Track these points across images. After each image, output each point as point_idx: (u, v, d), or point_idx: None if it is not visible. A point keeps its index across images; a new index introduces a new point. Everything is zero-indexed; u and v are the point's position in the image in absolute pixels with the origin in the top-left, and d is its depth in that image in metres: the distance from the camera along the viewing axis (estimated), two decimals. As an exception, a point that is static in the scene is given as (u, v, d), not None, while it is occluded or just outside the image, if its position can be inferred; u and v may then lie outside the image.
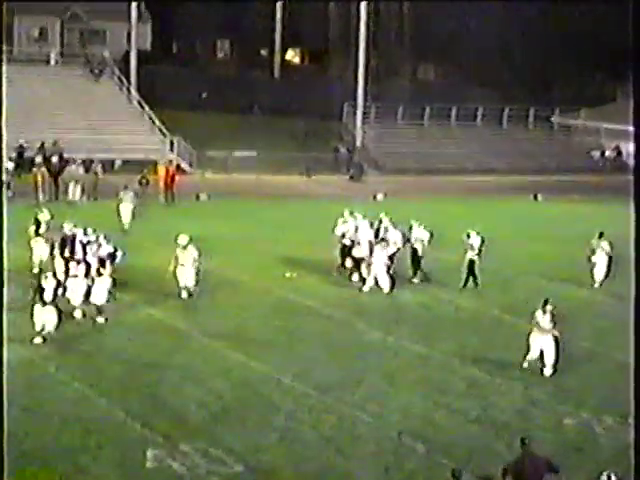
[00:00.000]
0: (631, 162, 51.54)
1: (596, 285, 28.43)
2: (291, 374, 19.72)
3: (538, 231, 37.25)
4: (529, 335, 20.48)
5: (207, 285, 27.06)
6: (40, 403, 17.70)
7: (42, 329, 20.85)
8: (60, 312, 21.03)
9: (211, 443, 16.14)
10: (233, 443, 16.24)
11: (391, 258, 27.44)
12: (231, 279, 27.90)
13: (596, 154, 63.89)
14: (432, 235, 28.46)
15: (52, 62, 60.71)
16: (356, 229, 28.61)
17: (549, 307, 20.38)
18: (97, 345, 21.36)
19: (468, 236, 27.78)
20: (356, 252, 27.67)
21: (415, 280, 28.00)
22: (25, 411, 16.94)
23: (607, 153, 63.15)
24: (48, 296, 20.84)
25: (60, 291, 22.39)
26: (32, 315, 20.83)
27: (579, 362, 21.54)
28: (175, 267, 25.33)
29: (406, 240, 28.27)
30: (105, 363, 20.14)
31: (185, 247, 25.56)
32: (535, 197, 49.17)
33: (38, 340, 20.76)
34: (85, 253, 25.16)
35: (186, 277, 25.37)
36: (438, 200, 44.70)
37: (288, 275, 28.47)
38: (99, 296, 23.08)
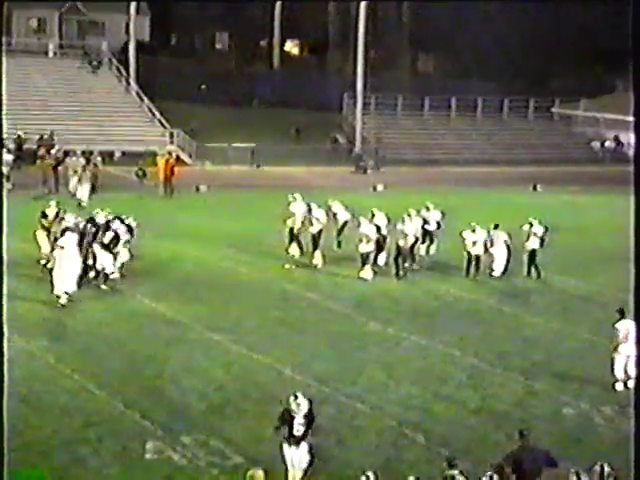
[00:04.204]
0: (631, 152, 51.52)
1: None
2: (291, 365, 19.72)
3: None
4: (614, 353, 19.01)
5: (206, 276, 27.10)
6: (40, 395, 17.69)
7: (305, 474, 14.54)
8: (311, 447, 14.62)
9: (211, 435, 16.14)
10: (233, 434, 16.24)
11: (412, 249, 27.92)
12: (230, 270, 27.88)
13: (596, 145, 63.92)
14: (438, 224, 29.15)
15: (50, 54, 60.71)
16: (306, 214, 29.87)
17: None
18: (97, 337, 21.33)
19: (531, 225, 27.98)
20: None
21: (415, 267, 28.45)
22: (25, 403, 16.93)
23: (607, 144, 63.15)
24: (299, 429, 14.36)
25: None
26: (283, 456, 14.43)
27: (579, 353, 21.58)
28: (51, 270, 23.74)
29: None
30: (105, 355, 20.13)
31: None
32: (535, 188, 49.21)
33: None
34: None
35: (64, 281, 23.39)
36: (438, 191, 44.64)
37: (287, 267, 28.47)
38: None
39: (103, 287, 24.81)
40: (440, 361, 20.64)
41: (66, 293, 23.25)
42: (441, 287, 27.07)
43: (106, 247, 24.93)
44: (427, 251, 29.90)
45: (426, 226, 29.38)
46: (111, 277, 25.12)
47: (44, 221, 26.51)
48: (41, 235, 26.49)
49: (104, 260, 24.92)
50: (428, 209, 29.98)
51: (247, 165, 52.13)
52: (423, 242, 29.68)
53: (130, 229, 25.96)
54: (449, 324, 23.48)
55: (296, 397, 14.32)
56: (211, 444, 15.82)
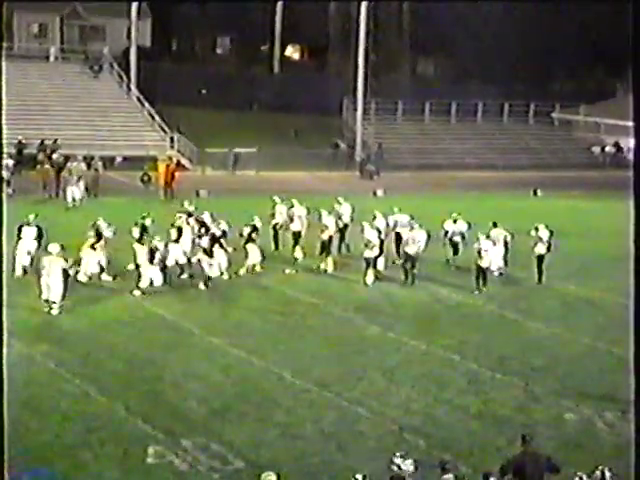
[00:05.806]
0: (631, 158, 51.54)
1: None
2: (291, 370, 19.72)
3: (538, 227, 37.19)
4: None
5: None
6: (41, 400, 17.69)
7: None
8: None
9: (212, 439, 16.14)
10: (234, 439, 16.23)
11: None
12: (231, 275, 27.85)
13: (596, 150, 63.97)
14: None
15: (52, 58, 60.76)
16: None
17: None
18: (97, 341, 21.34)
19: (537, 229, 27.84)
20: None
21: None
22: (26, 408, 16.91)
23: (607, 149, 63.20)
24: None
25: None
26: None
27: (580, 357, 21.57)
28: (40, 277, 23.15)
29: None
30: (105, 359, 20.13)
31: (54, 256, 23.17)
32: (535, 193, 49.23)
33: None
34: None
35: (51, 290, 22.94)
36: (438, 196, 44.69)
37: (288, 271, 28.47)
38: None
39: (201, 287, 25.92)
40: (441, 366, 20.63)
41: (54, 303, 22.92)
42: (442, 291, 27.06)
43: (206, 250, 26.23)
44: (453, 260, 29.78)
45: (454, 237, 29.26)
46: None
47: (92, 240, 26.04)
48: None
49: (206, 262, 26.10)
50: (455, 221, 29.57)
51: (249, 170, 52.07)
52: (455, 253, 29.66)
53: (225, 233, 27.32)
54: (450, 328, 23.47)
55: (404, 457, 12.27)
56: (212, 448, 15.82)
